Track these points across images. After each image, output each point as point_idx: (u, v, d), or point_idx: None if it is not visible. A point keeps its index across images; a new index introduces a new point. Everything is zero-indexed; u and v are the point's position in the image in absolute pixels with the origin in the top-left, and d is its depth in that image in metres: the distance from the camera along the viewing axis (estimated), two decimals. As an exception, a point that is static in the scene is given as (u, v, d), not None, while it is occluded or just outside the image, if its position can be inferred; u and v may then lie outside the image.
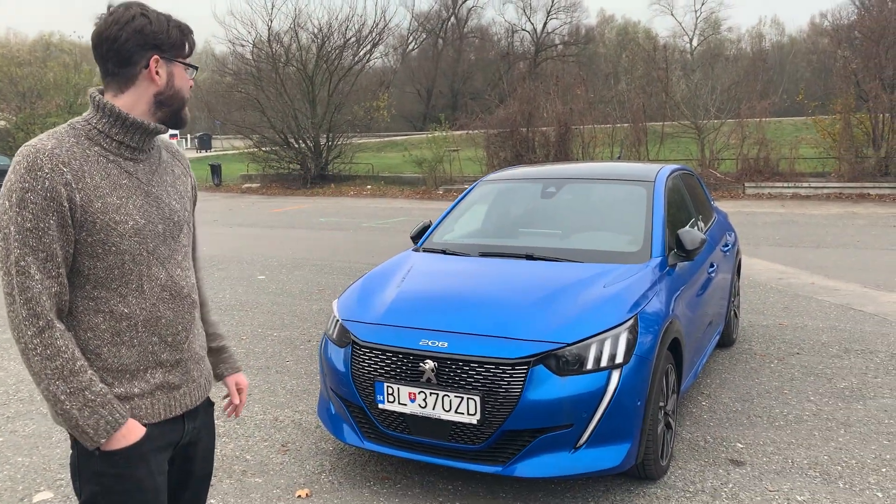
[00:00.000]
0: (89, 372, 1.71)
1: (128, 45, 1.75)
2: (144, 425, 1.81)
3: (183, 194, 1.96)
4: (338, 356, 3.79)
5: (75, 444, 1.79)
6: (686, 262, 4.39)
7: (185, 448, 1.99)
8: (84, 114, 1.82)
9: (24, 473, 3.98)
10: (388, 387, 3.50)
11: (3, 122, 36.17)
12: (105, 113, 1.77)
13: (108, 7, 1.79)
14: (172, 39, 1.80)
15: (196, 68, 1.89)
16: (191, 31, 1.86)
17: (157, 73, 1.79)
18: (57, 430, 4.50)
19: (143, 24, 1.75)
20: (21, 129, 32.69)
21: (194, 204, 2.08)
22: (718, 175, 19.63)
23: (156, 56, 1.78)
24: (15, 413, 4.86)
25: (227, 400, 2.25)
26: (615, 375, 3.34)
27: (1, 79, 36.66)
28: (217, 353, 2.20)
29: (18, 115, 35.49)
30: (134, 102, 1.79)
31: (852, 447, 4.07)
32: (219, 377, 2.22)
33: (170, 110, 1.85)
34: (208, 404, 2.08)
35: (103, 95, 1.81)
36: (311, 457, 4.12)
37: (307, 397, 5.04)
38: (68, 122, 1.80)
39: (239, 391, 2.24)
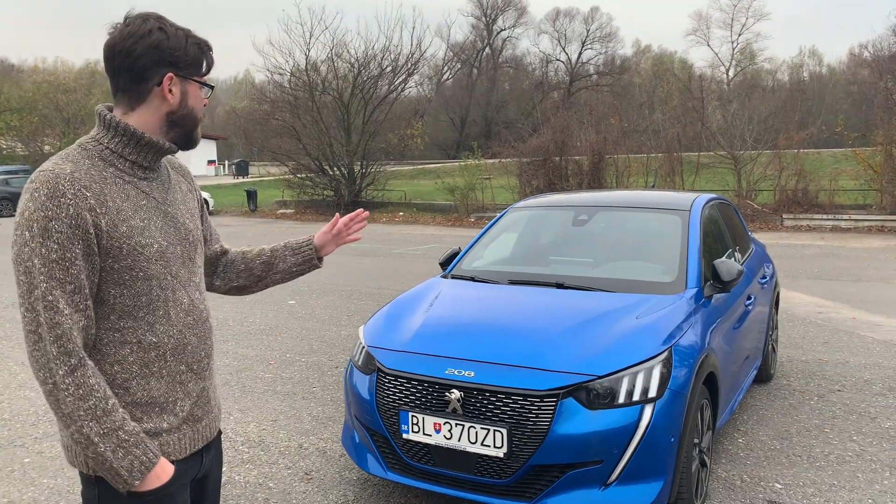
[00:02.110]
0: (120, 410, 1.61)
1: (142, 60, 1.65)
2: (172, 462, 1.73)
3: (193, 212, 1.88)
4: (363, 384, 3.72)
5: (94, 482, 1.69)
6: (722, 294, 4.25)
7: (200, 482, 1.91)
8: (92, 132, 1.71)
9: (49, 495, 3.96)
10: (412, 416, 3.42)
11: (48, 147, 37.27)
12: (118, 132, 1.68)
13: (125, 18, 1.69)
14: (190, 57, 1.70)
15: (212, 87, 1.80)
16: (210, 49, 1.76)
17: (170, 91, 1.69)
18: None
19: (160, 39, 1.65)
20: (60, 154, 33.66)
21: (202, 219, 2.02)
22: (755, 206, 19.32)
23: (170, 74, 1.68)
24: (43, 434, 4.87)
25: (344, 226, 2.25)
26: (648, 410, 3.22)
27: (47, 105, 37.91)
28: (293, 253, 2.17)
29: (63, 140, 36.56)
30: (145, 121, 1.70)
31: (899, 491, 3.87)
32: (314, 258, 2.20)
33: (182, 131, 1.75)
34: (218, 433, 2.00)
35: (112, 112, 1.71)
36: (334, 486, 4.04)
37: (333, 425, 4.97)
38: (77, 143, 1.69)
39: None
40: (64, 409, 1.55)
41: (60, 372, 1.53)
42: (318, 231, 2.24)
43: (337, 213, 2.31)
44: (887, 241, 15.34)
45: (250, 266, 2.13)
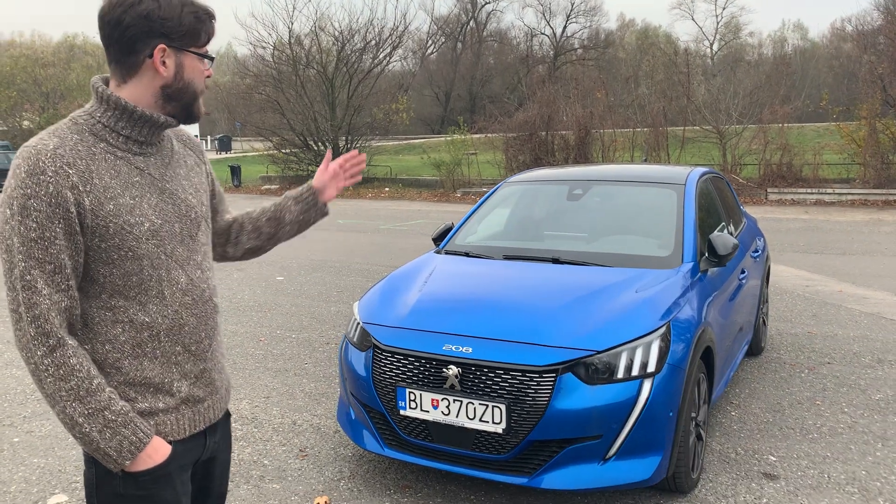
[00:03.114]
0: (107, 390, 1.57)
1: (131, 30, 1.56)
2: (170, 443, 1.68)
3: (199, 187, 1.80)
4: (358, 360, 3.69)
5: (92, 461, 1.66)
6: (717, 268, 4.25)
7: (206, 464, 1.86)
8: (86, 105, 1.64)
9: (40, 475, 3.91)
10: (410, 392, 3.40)
11: (27, 123, 36.66)
12: (110, 105, 1.61)
13: None
14: (184, 27, 1.60)
15: (212, 59, 1.71)
16: (210, 17, 1.66)
17: (163, 63, 1.61)
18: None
19: (151, 8, 1.56)
20: (44, 129, 33.16)
21: (213, 192, 1.95)
22: (741, 180, 19.37)
23: (162, 45, 1.59)
24: (31, 413, 4.81)
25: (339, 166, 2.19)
26: (646, 385, 3.22)
27: (25, 80, 37.26)
28: (295, 202, 2.11)
29: (42, 115, 35.99)
30: (139, 94, 1.62)
31: (891, 462, 3.91)
32: (318, 202, 2.14)
33: (179, 104, 1.67)
34: (226, 415, 1.96)
35: (107, 84, 1.64)
36: (329, 463, 4.02)
37: (326, 401, 4.95)
38: (69, 117, 1.62)
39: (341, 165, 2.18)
40: (46, 389, 1.54)
41: (39, 353, 1.51)
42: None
43: (329, 150, 2.29)
44: (870, 215, 15.46)
45: (258, 226, 2.09)
